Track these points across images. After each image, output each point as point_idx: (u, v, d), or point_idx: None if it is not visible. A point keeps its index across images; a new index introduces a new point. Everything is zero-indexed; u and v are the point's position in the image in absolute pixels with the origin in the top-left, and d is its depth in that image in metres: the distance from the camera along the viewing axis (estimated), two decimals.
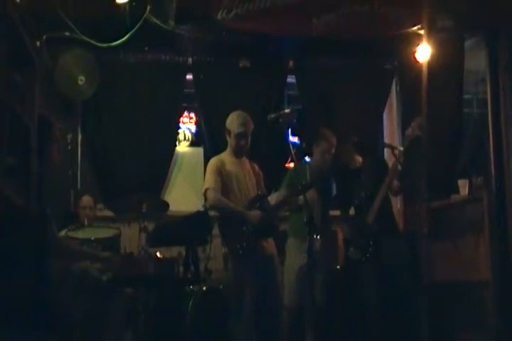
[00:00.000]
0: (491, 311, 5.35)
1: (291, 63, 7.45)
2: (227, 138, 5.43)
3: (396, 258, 5.46)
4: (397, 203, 6.92)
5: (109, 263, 4.60)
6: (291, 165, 6.89)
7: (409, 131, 5.56)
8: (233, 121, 5.36)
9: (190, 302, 5.13)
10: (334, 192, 6.06)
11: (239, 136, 5.33)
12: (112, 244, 5.47)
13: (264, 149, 6.76)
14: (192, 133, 7.62)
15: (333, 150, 5.83)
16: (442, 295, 5.81)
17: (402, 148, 5.81)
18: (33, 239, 3.38)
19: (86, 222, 5.87)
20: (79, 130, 6.91)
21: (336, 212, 6.09)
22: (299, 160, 5.89)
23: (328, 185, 5.93)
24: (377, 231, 5.45)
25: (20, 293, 3.18)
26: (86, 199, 6.23)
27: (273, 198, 5.68)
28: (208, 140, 7.14)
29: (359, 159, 5.95)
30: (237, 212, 5.15)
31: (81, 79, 6.46)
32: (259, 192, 5.43)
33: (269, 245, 5.25)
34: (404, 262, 5.53)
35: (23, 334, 3.09)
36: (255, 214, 5.12)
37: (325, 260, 5.49)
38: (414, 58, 6.65)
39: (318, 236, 5.00)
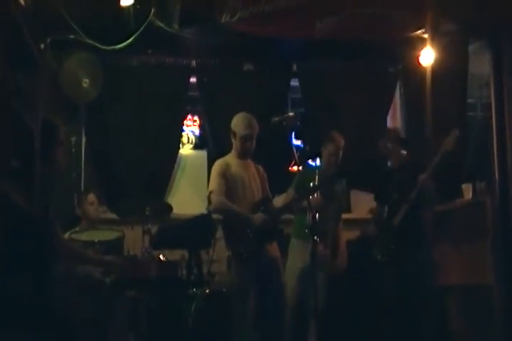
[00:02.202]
0: (494, 315, 5.33)
1: (294, 66, 7.46)
2: (232, 140, 5.38)
3: (414, 263, 5.42)
4: None
5: (113, 267, 4.60)
6: (294, 168, 6.89)
7: (444, 145, 5.44)
8: (238, 123, 5.31)
9: (193, 305, 5.12)
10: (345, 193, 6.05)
11: (244, 139, 5.28)
12: (115, 246, 5.47)
13: (267, 152, 6.73)
14: (195, 136, 7.63)
15: (340, 153, 5.81)
16: (444, 299, 5.80)
17: (404, 152, 5.80)
18: (36, 241, 3.38)
19: (94, 217, 5.93)
20: (83, 132, 6.92)
21: (350, 215, 6.07)
22: (302, 163, 5.88)
23: (340, 187, 5.89)
24: (401, 234, 5.41)
25: (23, 295, 3.18)
26: (92, 196, 6.24)
27: (278, 200, 5.67)
28: (211, 143, 7.15)
29: (405, 156, 5.86)
30: (241, 216, 5.13)
31: (85, 82, 6.46)
32: (264, 195, 5.41)
33: (273, 248, 5.22)
34: (421, 268, 5.48)
35: (26, 335, 3.09)
36: (259, 217, 5.09)
37: (325, 262, 5.46)
38: (418, 62, 6.66)
39: (318, 238, 4.99)
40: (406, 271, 5.43)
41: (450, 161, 5.60)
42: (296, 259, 5.56)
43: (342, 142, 5.84)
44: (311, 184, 5.29)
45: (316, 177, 5.39)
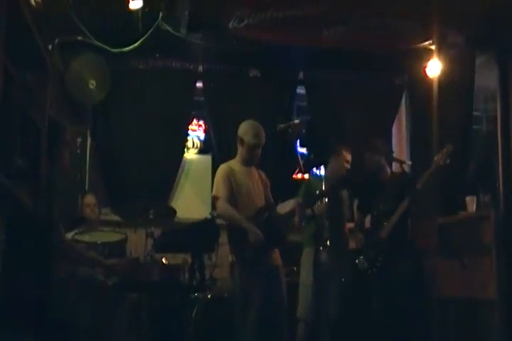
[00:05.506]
0: (495, 330, 5.31)
1: (301, 74, 7.47)
2: (239, 146, 5.29)
3: (403, 275, 5.42)
4: None
5: (115, 270, 4.59)
6: (299, 175, 6.88)
7: (438, 158, 5.42)
8: (247, 131, 5.20)
9: (194, 310, 5.12)
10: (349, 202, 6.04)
11: (252, 148, 5.18)
12: (118, 248, 5.46)
13: (272, 159, 6.74)
14: (200, 140, 7.64)
15: (347, 167, 5.81)
16: (446, 312, 5.78)
17: (409, 163, 5.80)
18: (40, 241, 3.38)
19: (91, 219, 5.93)
20: (88, 134, 6.92)
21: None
22: (307, 171, 5.86)
23: (345, 195, 5.89)
24: (389, 246, 5.42)
25: (25, 295, 3.17)
26: (90, 197, 6.21)
27: (281, 208, 5.65)
28: (216, 148, 7.15)
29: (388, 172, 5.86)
30: (242, 225, 5.02)
31: (92, 84, 6.46)
32: (268, 202, 5.38)
33: (276, 256, 5.18)
34: (410, 280, 5.47)
35: (27, 336, 3.09)
36: (257, 234, 4.92)
37: (336, 271, 5.43)
38: (425, 73, 6.68)
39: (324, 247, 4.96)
40: (392, 283, 5.42)
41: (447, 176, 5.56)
42: (309, 268, 5.48)
43: (349, 157, 5.83)
44: (317, 193, 5.28)
45: (322, 187, 5.37)
